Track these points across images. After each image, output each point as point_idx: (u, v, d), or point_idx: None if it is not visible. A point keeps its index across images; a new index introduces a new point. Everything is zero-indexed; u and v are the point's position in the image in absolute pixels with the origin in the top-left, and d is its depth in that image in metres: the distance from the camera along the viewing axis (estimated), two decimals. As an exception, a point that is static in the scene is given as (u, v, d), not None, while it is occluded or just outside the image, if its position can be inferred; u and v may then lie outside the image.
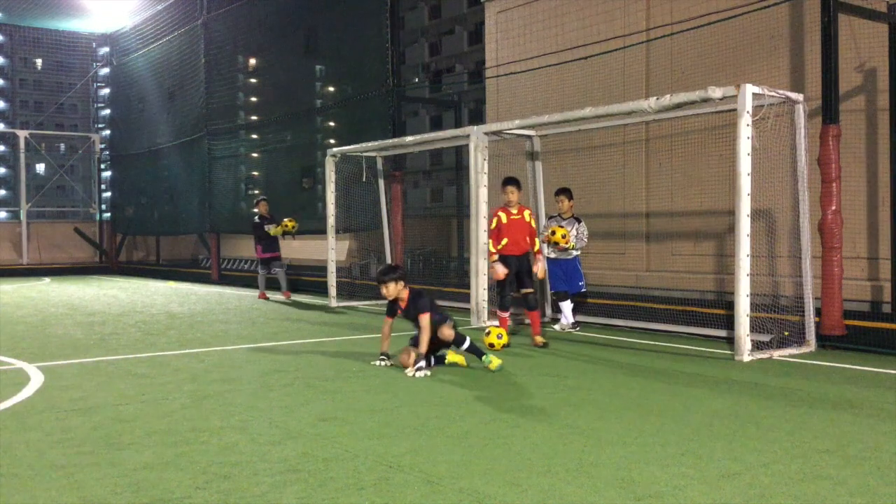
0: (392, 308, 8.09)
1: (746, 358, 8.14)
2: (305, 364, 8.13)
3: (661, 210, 12.61)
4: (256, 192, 21.43)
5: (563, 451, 4.85)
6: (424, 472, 4.44)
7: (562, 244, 10.28)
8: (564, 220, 10.69)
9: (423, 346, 7.60)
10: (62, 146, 66.74)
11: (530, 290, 9.45)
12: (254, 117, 21.67)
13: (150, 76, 25.37)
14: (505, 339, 8.80)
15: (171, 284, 21.26)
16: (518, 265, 9.39)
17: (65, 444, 5.08)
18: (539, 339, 9.25)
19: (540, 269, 9.55)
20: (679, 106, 8.99)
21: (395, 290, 7.93)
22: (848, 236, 9.44)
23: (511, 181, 9.57)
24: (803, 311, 8.85)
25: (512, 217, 9.43)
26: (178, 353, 8.93)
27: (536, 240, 9.60)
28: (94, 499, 4.07)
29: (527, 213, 9.54)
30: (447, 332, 7.75)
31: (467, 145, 11.76)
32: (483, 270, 11.40)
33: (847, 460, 4.64)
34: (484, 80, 16.71)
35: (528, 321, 9.69)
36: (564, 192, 10.79)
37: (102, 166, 30.18)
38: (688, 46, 11.95)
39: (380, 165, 15.09)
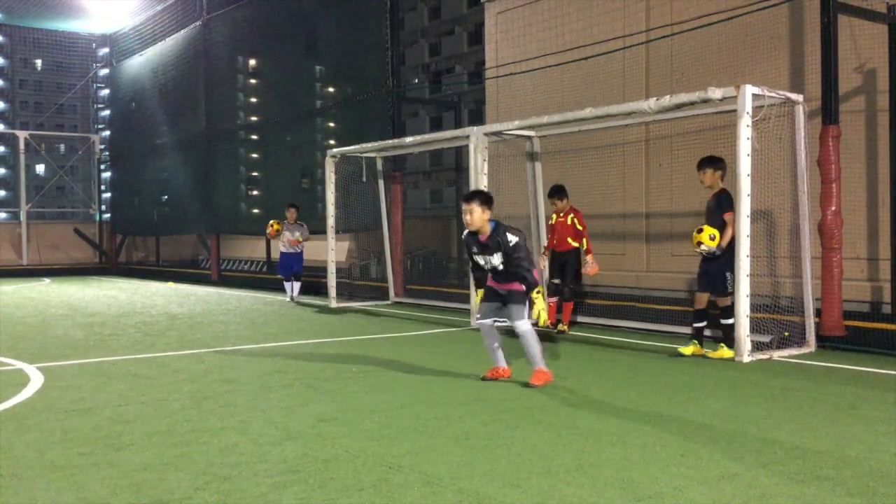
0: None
1: (746, 358, 8.14)
2: (305, 365, 8.13)
3: (661, 211, 12.61)
4: (256, 192, 21.44)
5: (562, 451, 4.85)
6: (424, 473, 4.44)
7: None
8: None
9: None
10: (62, 147, 66.69)
11: (565, 286, 10.60)
12: (254, 118, 21.68)
13: (149, 77, 25.38)
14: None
15: (171, 285, 21.26)
16: (558, 259, 10.65)
17: (65, 445, 5.08)
18: (561, 325, 10.46)
19: (589, 268, 10.43)
20: (679, 107, 9.00)
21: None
22: (848, 237, 9.43)
23: (550, 193, 10.77)
24: (803, 312, 8.85)
25: (558, 219, 10.68)
26: (178, 354, 8.93)
27: (584, 240, 10.50)
28: (94, 499, 4.07)
29: (570, 216, 10.55)
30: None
31: (467, 146, 11.77)
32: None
33: (847, 461, 4.64)
34: (484, 80, 16.71)
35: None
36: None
37: (102, 167, 30.19)
38: (688, 47, 11.95)
39: (380, 166, 15.10)
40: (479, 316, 7.20)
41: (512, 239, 6.75)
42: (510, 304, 6.90)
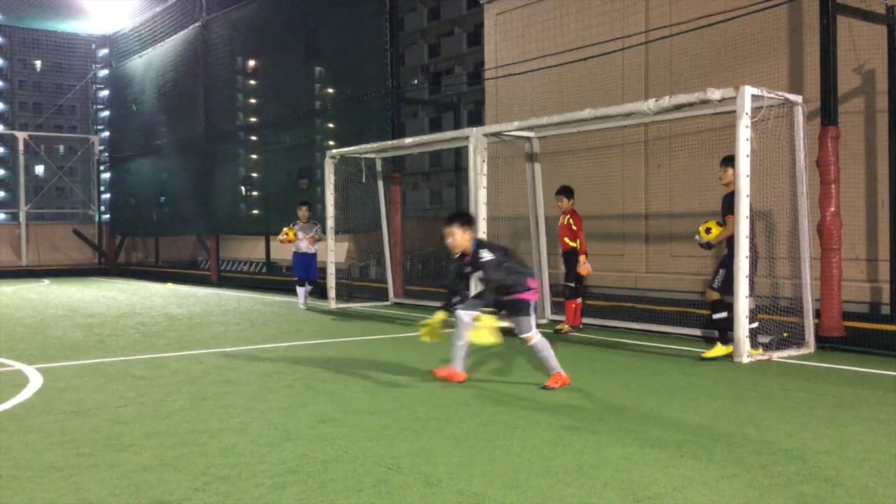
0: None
1: (745, 359, 8.14)
2: (304, 366, 8.12)
3: (661, 211, 12.61)
4: (255, 193, 21.42)
5: (562, 452, 4.85)
6: (423, 474, 4.44)
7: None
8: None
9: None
10: (61, 148, 66.74)
11: (563, 283, 10.91)
12: (253, 119, 21.67)
13: (149, 78, 25.38)
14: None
15: (170, 286, 21.26)
16: (563, 261, 10.96)
17: (64, 446, 5.08)
18: (561, 325, 10.74)
19: (581, 268, 10.51)
20: (678, 107, 9.00)
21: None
22: (847, 238, 9.43)
23: (557, 191, 10.91)
24: (802, 313, 8.85)
25: (561, 221, 10.93)
26: (178, 355, 8.93)
27: (578, 240, 10.58)
28: (93, 500, 4.06)
29: (567, 217, 10.74)
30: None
31: (466, 147, 11.77)
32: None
33: (846, 461, 4.64)
34: (483, 81, 16.72)
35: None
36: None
37: (101, 168, 30.18)
38: (687, 48, 11.96)
39: (379, 167, 15.10)
40: (462, 305, 7.02)
41: (484, 255, 6.74)
42: (515, 316, 6.83)
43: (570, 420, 5.68)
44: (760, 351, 8.38)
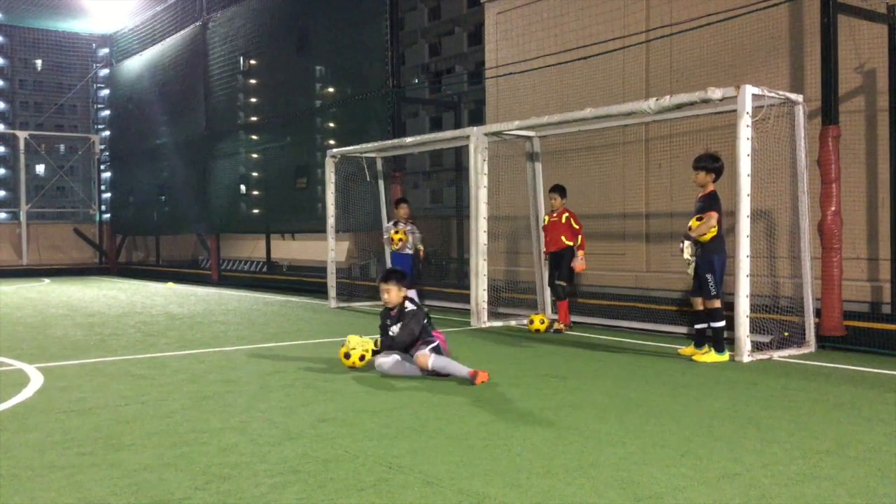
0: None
1: (746, 359, 8.14)
2: (305, 365, 8.13)
3: (661, 211, 12.61)
4: (255, 192, 21.42)
5: (562, 451, 4.85)
6: (424, 473, 4.44)
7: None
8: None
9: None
10: (62, 147, 66.67)
11: (559, 282, 10.68)
12: (253, 118, 21.67)
13: (149, 77, 25.38)
14: (538, 323, 10.63)
15: (171, 285, 21.25)
16: (551, 260, 10.82)
17: (64, 445, 5.08)
18: (557, 324, 10.66)
19: (577, 263, 10.54)
20: (679, 107, 9.00)
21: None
22: (847, 237, 9.43)
23: (552, 189, 10.86)
24: (803, 312, 8.85)
25: (552, 219, 10.81)
26: (178, 354, 8.93)
27: (579, 237, 10.59)
28: (94, 499, 4.07)
29: (565, 216, 10.66)
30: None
31: (467, 146, 11.77)
32: (483, 271, 11.41)
33: (847, 461, 4.64)
34: (484, 80, 16.72)
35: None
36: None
37: (102, 167, 30.18)
38: (687, 47, 11.95)
39: (380, 166, 15.10)
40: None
41: (409, 307, 7.53)
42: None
43: (571, 419, 5.68)
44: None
